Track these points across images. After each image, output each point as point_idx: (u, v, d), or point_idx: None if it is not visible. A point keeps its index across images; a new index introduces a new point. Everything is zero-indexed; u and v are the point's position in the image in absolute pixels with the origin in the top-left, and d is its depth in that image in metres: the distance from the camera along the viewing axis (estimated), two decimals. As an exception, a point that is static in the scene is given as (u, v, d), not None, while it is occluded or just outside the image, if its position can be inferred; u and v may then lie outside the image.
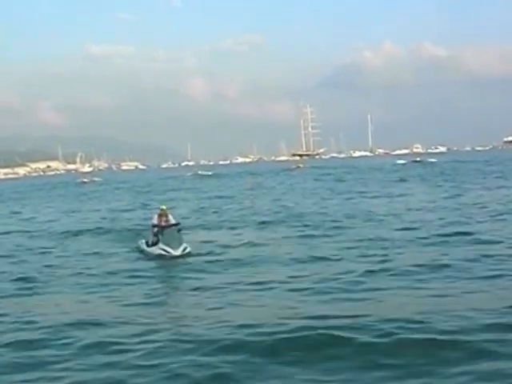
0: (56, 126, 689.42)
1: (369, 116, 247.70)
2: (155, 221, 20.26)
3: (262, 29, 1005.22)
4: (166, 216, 20.31)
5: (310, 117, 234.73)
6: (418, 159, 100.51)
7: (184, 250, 18.89)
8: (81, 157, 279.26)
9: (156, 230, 19.91)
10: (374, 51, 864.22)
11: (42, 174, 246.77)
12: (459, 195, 36.61)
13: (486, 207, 28.67)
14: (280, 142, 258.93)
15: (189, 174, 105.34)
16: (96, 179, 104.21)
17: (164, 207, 20.80)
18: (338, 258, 17.42)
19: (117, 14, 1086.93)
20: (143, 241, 20.72)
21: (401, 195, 38.87)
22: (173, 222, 20.21)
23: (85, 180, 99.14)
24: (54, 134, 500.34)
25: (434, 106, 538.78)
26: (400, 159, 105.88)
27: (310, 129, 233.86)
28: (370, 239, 20.21)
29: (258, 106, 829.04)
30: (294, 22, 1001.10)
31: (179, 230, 19.65)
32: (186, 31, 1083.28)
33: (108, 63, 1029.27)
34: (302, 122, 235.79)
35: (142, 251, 20.25)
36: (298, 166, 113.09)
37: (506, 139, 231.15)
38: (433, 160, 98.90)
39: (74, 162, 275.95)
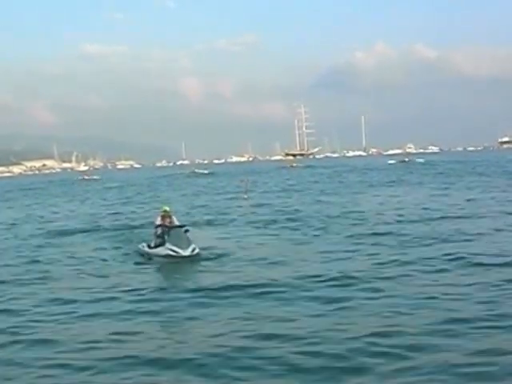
0: (51, 125, 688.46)
1: (362, 116, 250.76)
2: (158, 222, 19.26)
3: (257, 29, 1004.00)
4: (170, 218, 19.29)
5: (304, 117, 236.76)
6: (406, 159, 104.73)
7: (193, 250, 17.88)
8: (76, 156, 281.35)
9: (160, 231, 18.91)
10: (367, 52, 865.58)
11: (37, 172, 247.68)
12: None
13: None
14: (275, 141, 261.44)
15: (186, 172, 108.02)
16: (95, 177, 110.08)
17: (167, 208, 19.66)
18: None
19: (111, 14, 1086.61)
20: (144, 244, 19.61)
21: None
22: (177, 223, 19.32)
23: (85, 177, 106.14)
24: (49, 133, 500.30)
25: (427, 107, 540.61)
26: (390, 159, 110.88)
27: (304, 129, 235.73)
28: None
29: (252, 106, 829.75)
30: (289, 22, 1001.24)
31: (186, 231, 18.71)
32: (180, 31, 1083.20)
33: (103, 63, 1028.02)
34: (296, 121, 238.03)
35: (144, 254, 19.15)
36: (292, 166, 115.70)
37: (500, 140, 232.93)
38: (420, 160, 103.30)
39: (70, 161, 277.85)
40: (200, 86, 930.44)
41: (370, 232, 22.19)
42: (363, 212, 29.20)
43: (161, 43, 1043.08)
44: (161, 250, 18.18)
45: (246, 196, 44.64)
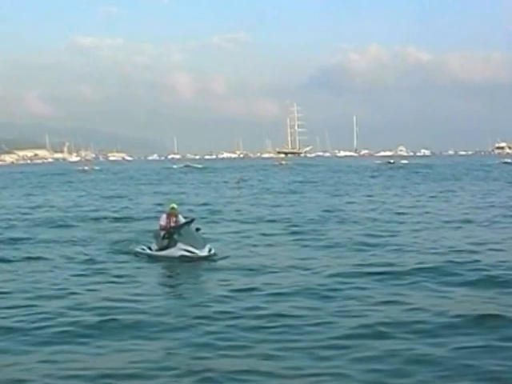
0: (44, 115, 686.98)
1: (354, 117, 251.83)
2: (163, 222, 17.61)
3: (249, 27, 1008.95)
4: (176, 216, 17.71)
5: (296, 115, 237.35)
6: (392, 161, 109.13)
7: (210, 250, 16.52)
8: (68, 146, 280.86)
9: (163, 233, 17.39)
10: (361, 53, 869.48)
11: (29, 162, 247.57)
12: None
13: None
14: (266, 139, 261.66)
15: (177, 166, 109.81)
16: (96, 167, 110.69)
17: (175, 206, 18.08)
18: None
19: (104, 7, 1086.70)
20: (143, 247, 18.02)
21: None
22: (183, 221, 17.63)
23: (85, 168, 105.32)
24: (41, 123, 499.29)
25: (420, 110, 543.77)
26: (376, 160, 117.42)
27: (296, 127, 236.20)
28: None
29: (244, 103, 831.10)
30: (282, 21, 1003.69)
31: (198, 229, 17.30)
32: (173, 26, 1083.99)
33: (97, 55, 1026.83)
34: (288, 120, 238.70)
35: (148, 256, 17.41)
36: (281, 163, 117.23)
37: (497, 145, 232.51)
38: (404, 162, 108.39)
39: (62, 152, 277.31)
40: (192, 82, 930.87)
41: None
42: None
43: (154, 38, 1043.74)
44: (173, 252, 16.47)
45: (238, 192, 45.42)
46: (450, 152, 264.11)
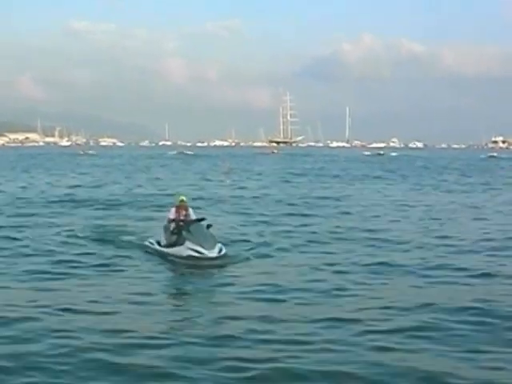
0: (35, 99, 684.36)
1: (347, 108, 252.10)
2: (172, 215, 16.33)
3: (243, 15, 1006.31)
4: (186, 210, 16.40)
5: (289, 104, 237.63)
6: (382, 152, 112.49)
7: (220, 250, 15.28)
8: (59, 130, 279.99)
9: (173, 226, 16.13)
10: (354, 43, 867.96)
11: (20, 145, 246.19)
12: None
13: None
14: (258, 127, 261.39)
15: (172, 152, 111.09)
16: (91, 152, 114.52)
17: (184, 198, 16.74)
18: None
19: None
20: (152, 240, 16.90)
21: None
22: (194, 216, 16.43)
23: (80, 152, 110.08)
24: (33, 106, 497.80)
25: (415, 102, 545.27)
26: (366, 151, 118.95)
27: (288, 117, 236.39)
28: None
29: (237, 91, 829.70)
30: (276, 11, 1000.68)
31: (209, 226, 15.92)
32: (167, 12, 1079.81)
33: (89, 39, 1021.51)
34: (281, 109, 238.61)
35: (155, 253, 16.30)
36: (273, 152, 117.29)
37: (494, 139, 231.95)
38: (394, 154, 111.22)
39: (53, 136, 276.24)
40: (185, 69, 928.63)
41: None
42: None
43: (147, 23, 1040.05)
44: (181, 250, 15.38)
45: (228, 181, 44.91)
46: (443, 145, 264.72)
